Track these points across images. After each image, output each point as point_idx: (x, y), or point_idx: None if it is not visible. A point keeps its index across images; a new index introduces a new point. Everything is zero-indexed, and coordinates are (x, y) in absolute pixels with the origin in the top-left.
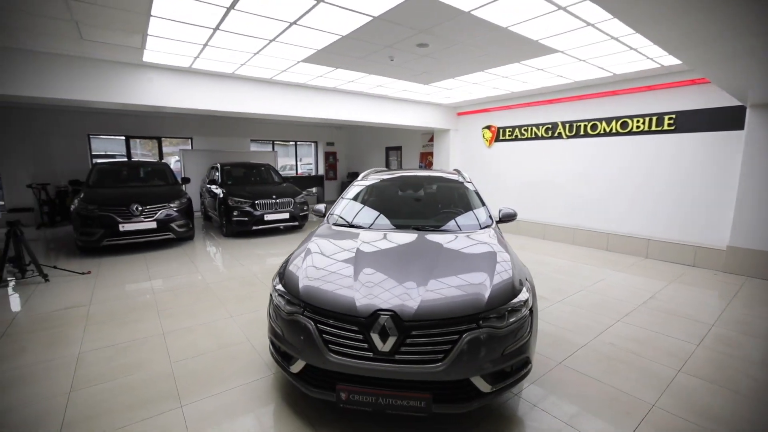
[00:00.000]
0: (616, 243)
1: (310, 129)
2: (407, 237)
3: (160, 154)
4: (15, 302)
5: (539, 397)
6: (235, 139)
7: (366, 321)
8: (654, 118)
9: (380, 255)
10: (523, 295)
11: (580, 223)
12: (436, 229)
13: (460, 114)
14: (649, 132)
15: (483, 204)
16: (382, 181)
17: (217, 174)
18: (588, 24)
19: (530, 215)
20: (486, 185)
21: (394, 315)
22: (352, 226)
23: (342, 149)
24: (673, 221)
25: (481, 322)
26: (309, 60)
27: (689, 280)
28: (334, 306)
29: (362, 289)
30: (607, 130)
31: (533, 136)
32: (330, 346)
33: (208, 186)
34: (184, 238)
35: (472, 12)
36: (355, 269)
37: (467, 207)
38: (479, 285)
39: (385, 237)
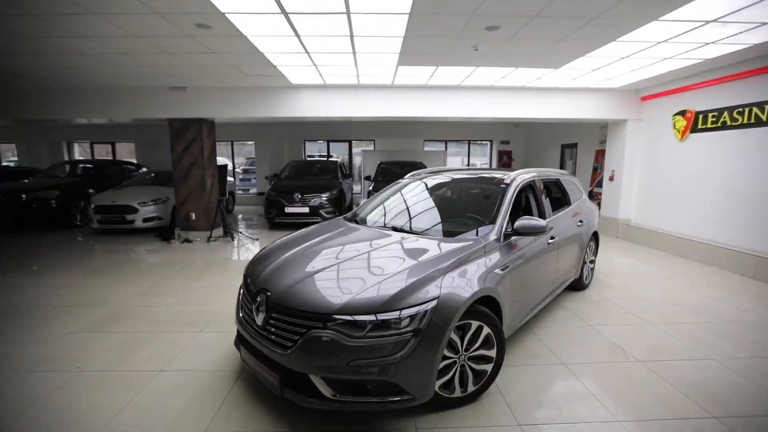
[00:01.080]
0: None
1: (485, 128)
2: (368, 235)
3: (350, 155)
4: (209, 251)
5: None
6: (411, 140)
7: (255, 295)
8: None
9: (319, 246)
10: (406, 312)
11: None
12: (410, 232)
13: (644, 98)
14: None
15: (502, 214)
16: (416, 181)
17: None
18: None
19: (738, 239)
20: (672, 193)
21: (269, 295)
22: (351, 220)
23: (518, 148)
24: None
25: (329, 323)
26: (403, 63)
27: None
28: (248, 279)
29: (268, 270)
30: None
31: (753, 121)
32: (240, 313)
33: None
34: None
35: None
36: (288, 253)
37: (483, 214)
38: (350, 288)
39: (347, 232)
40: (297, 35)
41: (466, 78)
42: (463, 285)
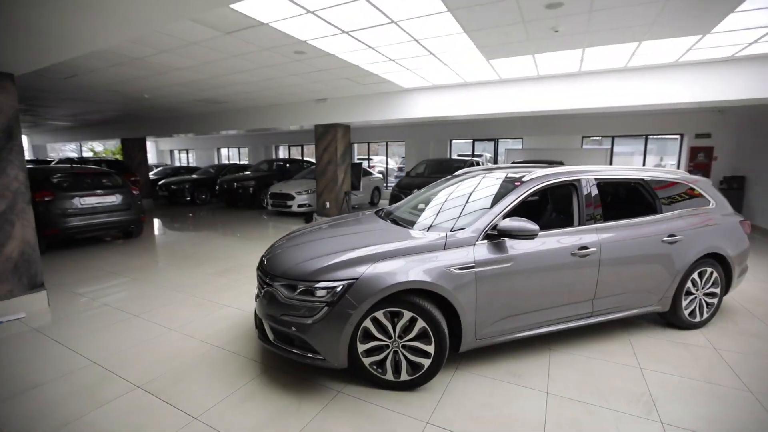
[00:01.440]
0: None
1: (671, 117)
2: (364, 224)
3: (496, 153)
4: None
5: None
6: (565, 137)
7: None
8: None
9: (325, 230)
10: (323, 285)
11: None
12: (400, 223)
13: None
14: None
15: (491, 213)
16: (454, 179)
17: None
18: None
19: None
20: None
21: (264, 261)
22: (376, 213)
23: (724, 142)
24: None
25: (275, 282)
26: (491, 57)
27: None
28: None
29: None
30: None
31: None
32: None
33: None
34: None
35: None
36: (299, 233)
37: (477, 210)
38: (299, 259)
39: (355, 221)
40: (369, 47)
41: (581, 62)
42: (391, 273)
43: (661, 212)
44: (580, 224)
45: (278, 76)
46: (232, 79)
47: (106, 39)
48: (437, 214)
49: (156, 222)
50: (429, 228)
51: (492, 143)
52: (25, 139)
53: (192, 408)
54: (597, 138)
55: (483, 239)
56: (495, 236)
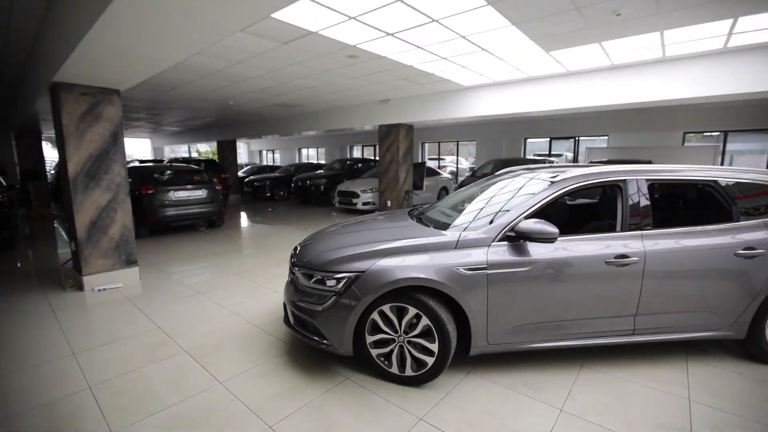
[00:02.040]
0: None
1: None
2: (390, 222)
3: (576, 152)
4: None
5: None
6: (661, 134)
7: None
8: None
9: (354, 225)
10: (333, 276)
11: None
12: (424, 222)
13: None
14: None
15: (511, 214)
16: (494, 178)
17: None
18: None
19: None
20: None
21: (296, 251)
22: (409, 213)
23: None
24: None
25: (297, 270)
26: (550, 48)
27: None
28: None
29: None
30: None
31: None
32: None
33: None
34: None
35: None
36: (328, 230)
37: (499, 210)
38: (319, 250)
39: (383, 219)
40: (417, 47)
41: (662, 46)
42: (397, 268)
43: (737, 221)
44: (622, 230)
45: (337, 80)
46: (297, 84)
47: (164, 60)
48: (461, 214)
49: (239, 215)
50: (448, 227)
51: (572, 141)
52: (148, 142)
53: (220, 373)
54: (712, 134)
55: (500, 241)
56: (514, 238)
